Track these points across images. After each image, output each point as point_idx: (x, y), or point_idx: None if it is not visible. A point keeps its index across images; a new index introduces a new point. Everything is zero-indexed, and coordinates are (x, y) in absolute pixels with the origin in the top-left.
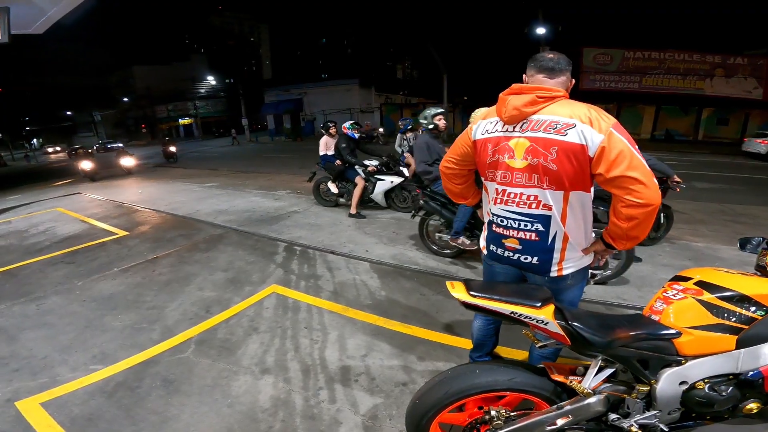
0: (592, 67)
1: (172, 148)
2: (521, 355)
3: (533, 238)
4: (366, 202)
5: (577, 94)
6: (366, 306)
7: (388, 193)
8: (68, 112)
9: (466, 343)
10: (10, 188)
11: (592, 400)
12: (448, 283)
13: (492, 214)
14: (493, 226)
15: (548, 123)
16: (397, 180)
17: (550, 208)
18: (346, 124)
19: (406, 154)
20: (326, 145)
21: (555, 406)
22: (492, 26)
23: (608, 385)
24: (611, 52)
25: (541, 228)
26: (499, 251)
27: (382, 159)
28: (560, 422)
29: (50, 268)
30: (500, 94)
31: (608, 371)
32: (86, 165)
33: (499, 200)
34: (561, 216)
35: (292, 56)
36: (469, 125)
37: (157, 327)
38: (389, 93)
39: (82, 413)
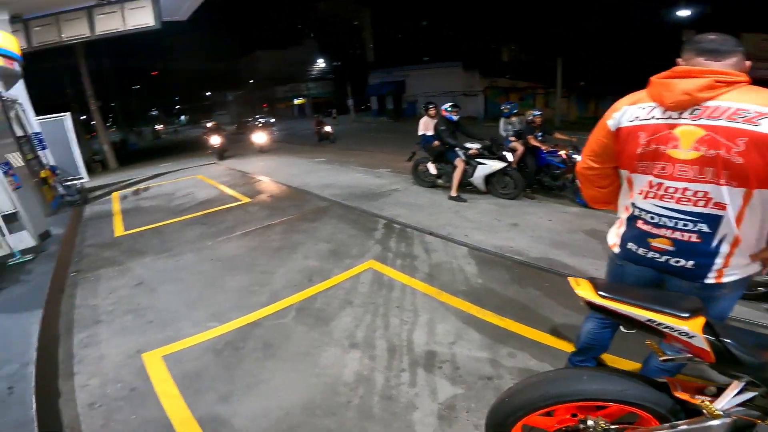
0: (754, 55)
1: (328, 128)
2: (626, 364)
3: (693, 239)
4: (464, 185)
5: None
6: (460, 292)
7: (488, 178)
8: (207, 93)
9: (565, 345)
10: (164, 157)
11: (716, 422)
12: (571, 280)
13: (637, 208)
14: (638, 222)
15: (733, 111)
16: (499, 165)
17: (723, 207)
18: (445, 106)
19: (511, 139)
20: (425, 126)
21: (668, 424)
22: (618, 6)
23: (741, 408)
24: None
25: (706, 229)
26: (641, 251)
27: (485, 142)
28: None
29: (188, 228)
30: (654, 78)
31: (748, 395)
32: (215, 141)
33: (651, 194)
34: (737, 217)
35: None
36: (605, 115)
37: (266, 291)
38: (494, 76)
39: (192, 369)
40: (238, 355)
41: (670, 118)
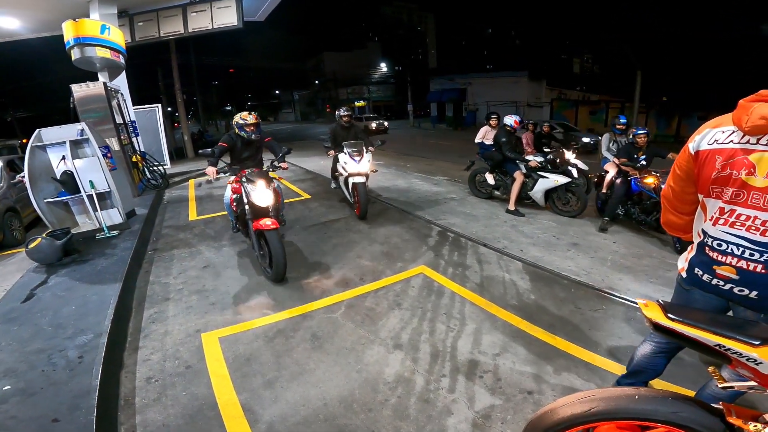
0: None
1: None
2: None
3: (759, 270)
4: (523, 198)
5: None
6: (511, 306)
7: (548, 193)
8: (276, 92)
9: (615, 367)
10: None
11: None
12: (640, 302)
13: (706, 234)
14: (705, 248)
15: None
16: (563, 180)
17: None
18: (508, 120)
19: (614, 159)
20: (484, 134)
21: None
22: (713, 16)
23: None
24: None
25: None
26: (705, 277)
27: (548, 156)
28: None
29: None
30: (741, 101)
31: None
32: None
33: (722, 221)
34: None
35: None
36: (690, 138)
37: (320, 285)
38: (563, 88)
39: (244, 353)
40: (287, 344)
41: (747, 143)
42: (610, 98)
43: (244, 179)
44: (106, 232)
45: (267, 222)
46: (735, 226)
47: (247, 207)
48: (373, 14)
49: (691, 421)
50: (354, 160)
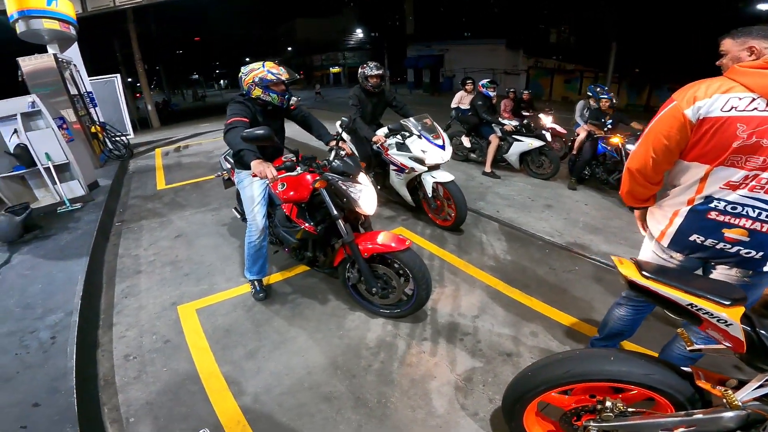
0: None
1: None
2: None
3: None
4: (498, 161)
5: None
6: (488, 267)
7: (523, 156)
8: (246, 59)
9: (589, 329)
10: (204, 117)
11: (730, 414)
12: (615, 259)
13: (715, 199)
14: (711, 213)
15: None
16: (537, 143)
17: None
18: (483, 82)
19: (582, 123)
20: (460, 99)
21: (683, 412)
22: None
23: (756, 403)
24: None
25: None
26: (708, 242)
27: (522, 121)
28: (679, 430)
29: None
30: (746, 67)
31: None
32: None
33: (743, 186)
34: None
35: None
36: (675, 103)
37: None
38: (540, 56)
39: (223, 323)
40: (267, 313)
41: None
42: (585, 68)
43: (329, 177)
44: (68, 205)
45: (386, 240)
46: (755, 190)
47: (340, 219)
48: None
49: (662, 384)
50: (435, 144)
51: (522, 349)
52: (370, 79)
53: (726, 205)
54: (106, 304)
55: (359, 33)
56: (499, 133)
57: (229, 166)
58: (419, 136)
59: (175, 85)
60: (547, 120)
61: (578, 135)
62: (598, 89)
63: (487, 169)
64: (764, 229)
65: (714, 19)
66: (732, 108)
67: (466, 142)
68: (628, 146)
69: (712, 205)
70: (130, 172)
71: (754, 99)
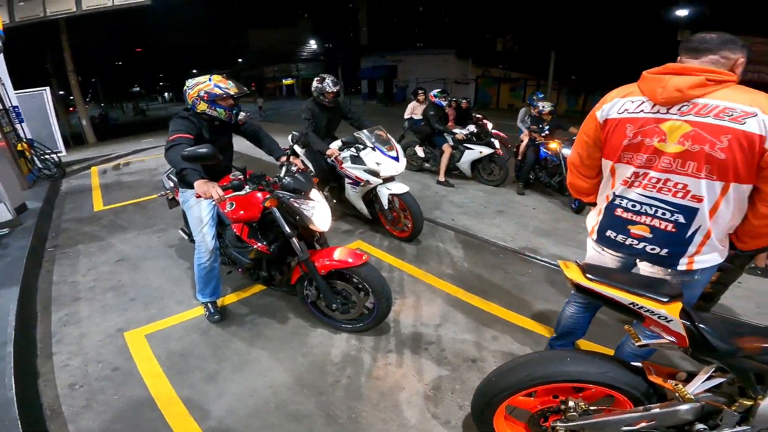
0: (749, 58)
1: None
2: (601, 350)
3: (669, 228)
4: (451, 169)
5: None
6: (446, 275)
7: (474, 164)
8: (194, 71)
9: (546, 330)
10: (146, 132)
11: (685, 407)
12: (561, 263)
13: (618, 197)
14: (618, 210)
15: (721, 109)
16: (487, 151)
17: (700, 200)
18: (433, 92)
19: (524, 129)
20: (412, 110)
21: (642, 407)
22: (616, 2)
23: (708, 394)
24: None
25: (681, 220)
26: (619, 238)
27: (471, 129)
28: (642, 425)
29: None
30: (647, 72)
31: (717, 381)
32: None
33: (636, 183)
34: (711, 209)
35: (389, 23)
36: (596, 107)
37: None
38: (487, 66)
39: (177, 348)
40: (225, 334)
41: (658, 112)
42: (528, 76)
43: (280, 194)
44: None
45: (342, 256)
46: (647, 188)
47: (294, 237)
48: None
49: (617, 381)
50: (389, 155)
51: (485, 353)
52: (327, 95)
53: (628, 203)
54: (42, 333)
55: (313, 44)
56: (452, 142)
57: (172, 184)
58: (373, 149)
59: (115, 97)
60: (490, 126)
61: (522, 141)
62: (535, 97)
63: (441, 178)
64: (663, 227)
65: (639, 28)
66: (625, 110)
67: (419, 152)
68: (564, 150)
69: (617, 202)
70: (62, 192)
71: (643, 102)
